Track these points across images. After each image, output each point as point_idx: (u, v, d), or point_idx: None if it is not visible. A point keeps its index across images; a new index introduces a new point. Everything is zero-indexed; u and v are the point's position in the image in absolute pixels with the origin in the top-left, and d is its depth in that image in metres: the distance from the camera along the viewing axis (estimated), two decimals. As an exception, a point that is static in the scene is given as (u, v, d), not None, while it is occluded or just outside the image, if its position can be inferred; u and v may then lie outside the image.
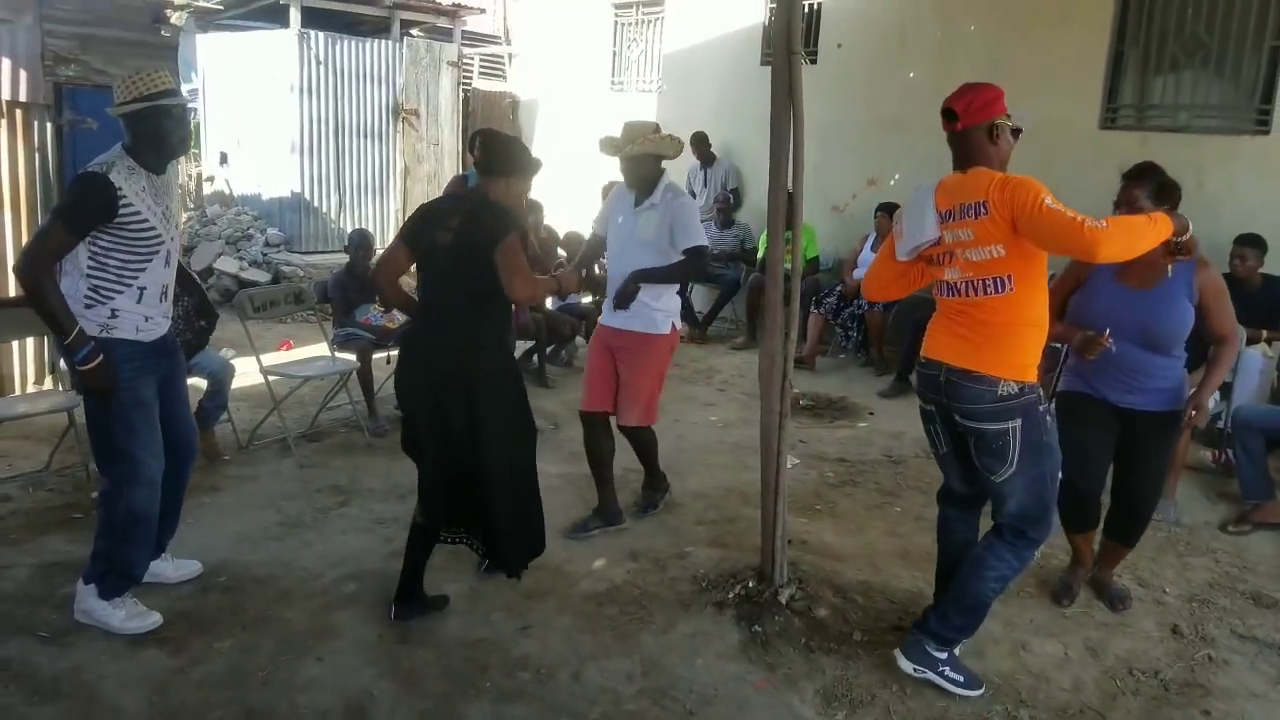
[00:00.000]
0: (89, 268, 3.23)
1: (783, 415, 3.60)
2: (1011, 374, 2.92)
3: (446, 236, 3.30)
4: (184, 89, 11.52)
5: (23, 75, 5.95)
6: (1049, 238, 2.79)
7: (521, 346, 7.03)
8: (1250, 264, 5.95)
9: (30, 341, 5.89)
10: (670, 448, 5.65)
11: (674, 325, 4.37)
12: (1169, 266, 3.42)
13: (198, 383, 5.06)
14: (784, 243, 3.61)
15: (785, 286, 3.60)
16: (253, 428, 5.49)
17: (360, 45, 11.03)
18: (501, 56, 13.08)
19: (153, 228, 3.28)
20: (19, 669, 3.16)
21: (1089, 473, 3.62)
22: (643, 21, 10.93)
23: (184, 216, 10.86)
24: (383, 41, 11.28)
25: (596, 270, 5.53)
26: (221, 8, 11.17)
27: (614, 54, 11.26)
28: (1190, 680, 3.36)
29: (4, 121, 5.82)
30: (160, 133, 3.29)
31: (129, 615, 3.41)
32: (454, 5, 12.41)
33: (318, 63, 10.63)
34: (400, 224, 4.73)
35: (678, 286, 4.52)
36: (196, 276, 4.97)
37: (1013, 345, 2.94)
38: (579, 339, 7.58)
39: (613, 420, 4.42)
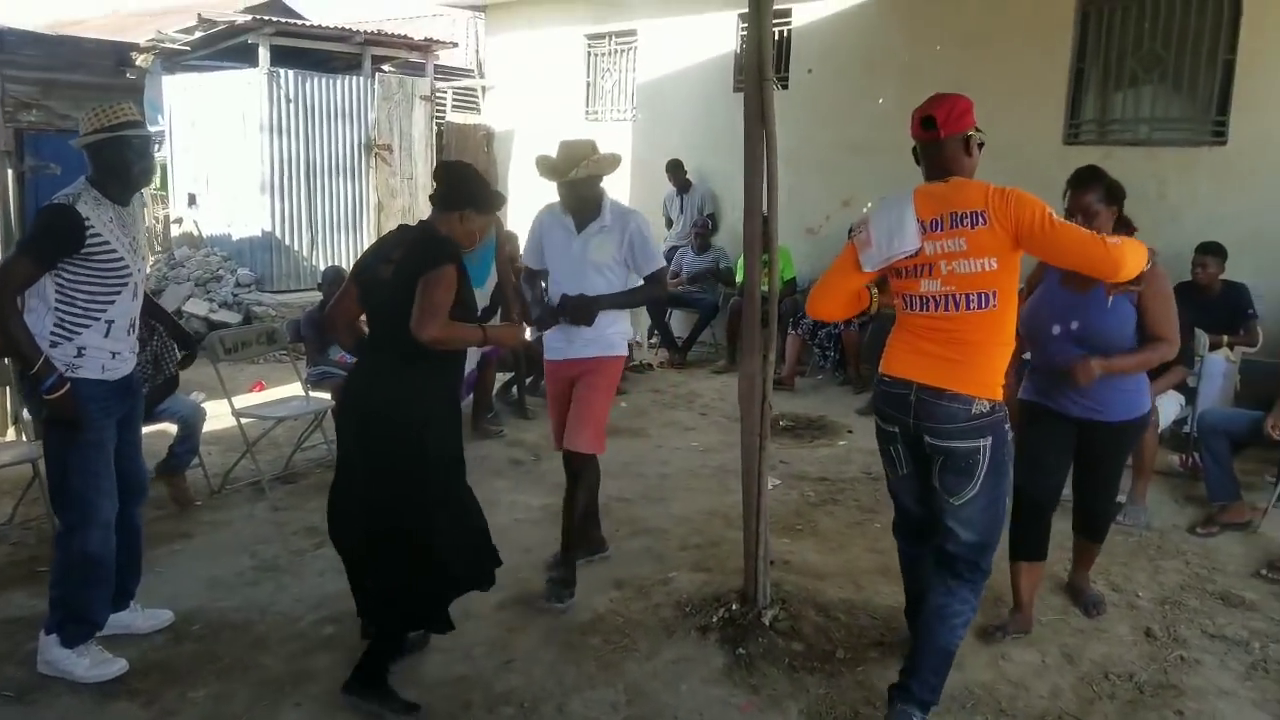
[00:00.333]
0: (57, 301, 3.22)
1: (763, 437, 3.64)
2: (985, 392, 2.88)
3: (387, 270, 3.15)
4: (151, 131, 11.58)
5: (-18, 122, 5.93)
6: (1069, 253, 2.81)
7: (501, 378, 7.07)
8: (1211, 271, 6.07)
9: (-8, 393, 5.79)
10: (653, 473, 5.71)
11: (629, 348, 4.28)
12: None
13: (168, 428, 5.04)
14: (762, 266, 3.64)
15: (763, 309, 3.64)
16: (225, 471, 5.45)
17: (331, 82, 11.05)
18: (475, 89, 13.16)
19: (121, 258, 3.27)
20: (-16, 730, 3.11)
21: (1043, 483, 3.62)
22: (616, 51, 11.03)
23: (151, 259, 10.85)
24: (354, 78, 11.31)
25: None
26: (188, 49, 11.19)
27: (588, 84, 11.35)
28: (1164, 682, 3.42)
29: (-38, 169, 5.79)
30: (123, 163, 3.28)
31: (93, 663, 3.36)
32: (426, 40, 12.48)
33: (287, 101, 10.65)
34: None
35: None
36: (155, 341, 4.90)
37: (987, 363, 2.89)
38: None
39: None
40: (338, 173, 11.23)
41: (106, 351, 3.31)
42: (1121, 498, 5.02)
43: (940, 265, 2.88)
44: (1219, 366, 5.86)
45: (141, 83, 11.72)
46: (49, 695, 3.28)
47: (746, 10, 3.66)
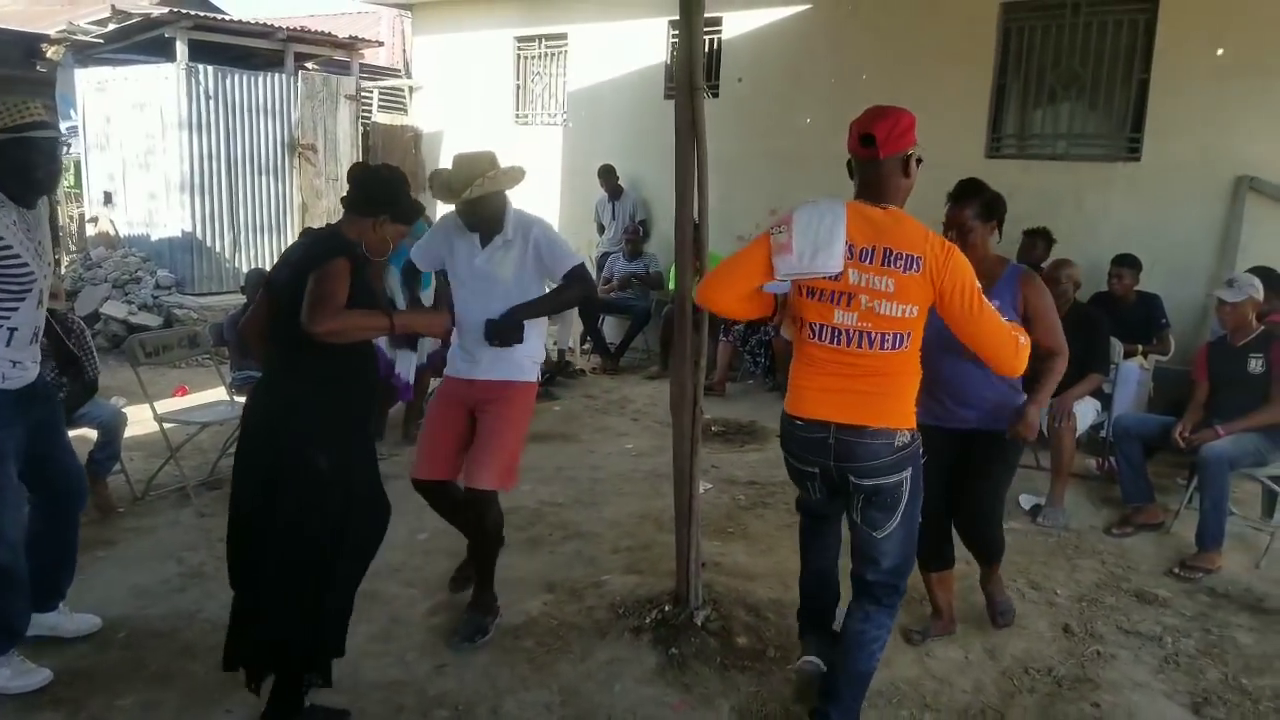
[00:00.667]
0: None
1: (694, 442, 3.67)
2: (904, 422, 2.79)
3: (284, 272, 2.96)
4: (63, 126, 11.23)
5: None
6: (980, 339, 2.73)
7: (435, 383, 7.00)
8: (1127, 282, 6.30)
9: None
10: (586, 478, 5.72)
11: (539, 375, 3.92)
12: (994, 280, 3.41)
13: (87, 433, 4.91)
14: (694, 273, 3.61)
15: (695, 315, 3.57)
16: (148, 478, 5.32)
17: (252, 79, 10.84)
18: (402, 89, 13.03)
19: (25, 263, 3.14)
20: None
21: (932, 494, 3.32)
22: (546, 54, 11.02)
23: (65, 260, 10.52)
24: (276, 75, 11.10)
25: None
26: (101, 41, 10.86)
27: (517, 87, 11.32)
28: (1081, 676, 3.54)
29: None
30: (27, 165, 3.12)
31: (15, 673, 3.28)
32: (350, 38, 12.31)
33: (207, 97, 10.41)
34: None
35: (544, 331, 4.06)
36: (85, 344, 4.76)
37: (903, 394, 2.80)
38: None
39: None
40: (260, 172, 11.02)
41: (7, 360, 3.17)
42: (1039, 500, 5.21)
43: (861, 299, 2.68)
44: (1133, 374, 6.06)
45: (52, 76, 11.36)
46: (-33, 707, 3.19)
47: (678, 17, 3.68)
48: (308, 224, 11.13)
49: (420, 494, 3.80)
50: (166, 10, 10.56)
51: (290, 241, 10.93)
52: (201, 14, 11.31)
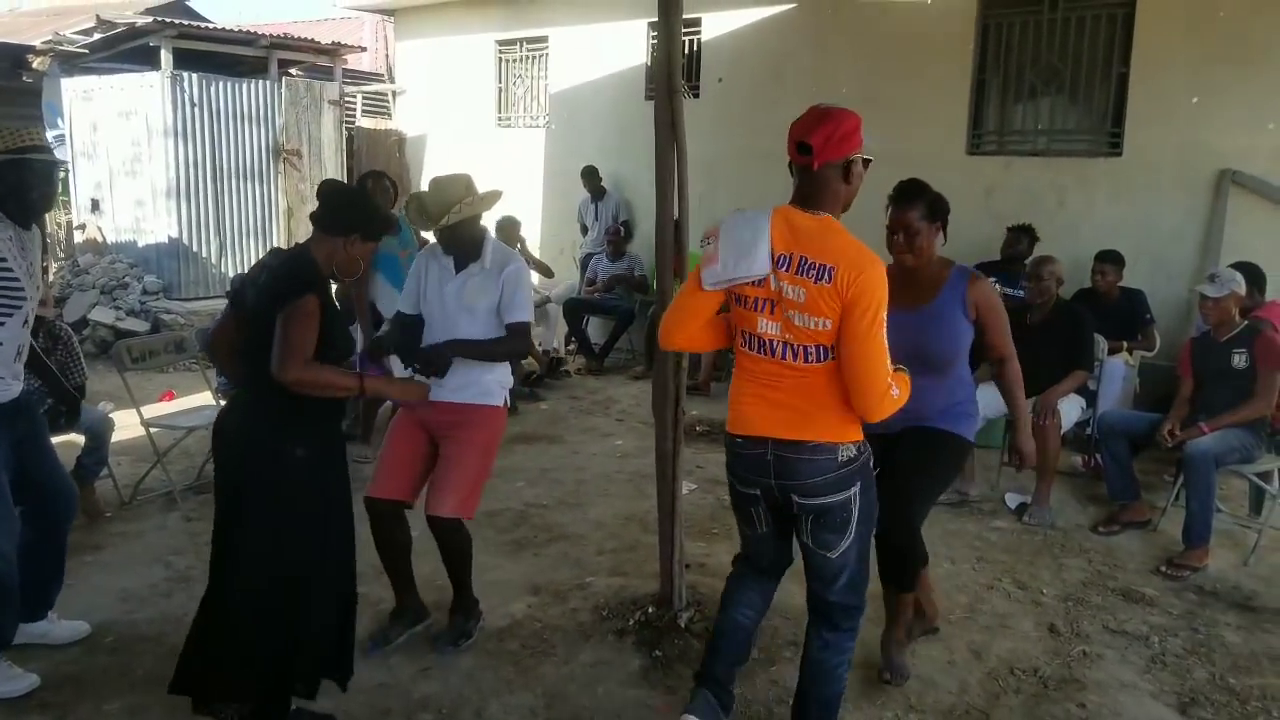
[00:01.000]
0: None
1: (677, 442, 3.67)
2: (849, 435, 2.60)
3: (250, 294, 2.89)
4: (50, 135, 11.20)
5: None
6: (856, 365, 2.49)
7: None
8: (1110, 279, 6.30)
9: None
10: (570, 479, 5.71)
11: (506, 400, 3.80)
12: (940, 284, 3.31)
13: (75, 438, 4.90)
14: (674, 273, 3.62)
15: None
16: (135, 482, 5.31)
17: (236, 86, 10.82)
18: (386, 94, 13.02)
19: (17, 279, 3.20)
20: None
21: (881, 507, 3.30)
22: (527, 57, 11.01)
23: (54, 267, 10.48)
24: (260, 82, 11.09)
25: None
26: (87, 51, 10.84)
27: (499, 90, 11.32)
28: (1067, 676, 3.53)
29: None
30: (22, 186, 3.20)
31: (2, 678, 3.28)
32: (333, 44, 12.31)
33: (192, 105, 10.39)
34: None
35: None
36: (72, 350, 4.75)
37: (842, 406, 2.57)
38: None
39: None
40: (246, 178, 11.00)
41: None
42: (1025, 499, 5.21)
43: (779, 307, 2.56)
44: (1118, 370, 6.08)
45: (39, 85, 11.34)
46: (-46, 714, 3.18)
47: (657, 19, 3.68)
48: (293, 229, 11.13)
49: (369, 513, 3.62)
50: (151, 19, 10.57)
51: (282, 244, 10.99)
52: (186, 23, 11.33)
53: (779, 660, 3.52)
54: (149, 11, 11.82)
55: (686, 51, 9.33)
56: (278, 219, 11.29)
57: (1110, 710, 3.32)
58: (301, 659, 2.97)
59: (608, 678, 3.45)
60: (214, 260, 10.80)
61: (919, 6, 7.94)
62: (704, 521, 5.01)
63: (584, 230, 10.02)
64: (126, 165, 10.73)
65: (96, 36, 10.58)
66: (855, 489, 2.62)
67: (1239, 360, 4.80)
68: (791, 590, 4.04)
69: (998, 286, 6.77)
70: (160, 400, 7.17)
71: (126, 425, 5.51)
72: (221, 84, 10.70)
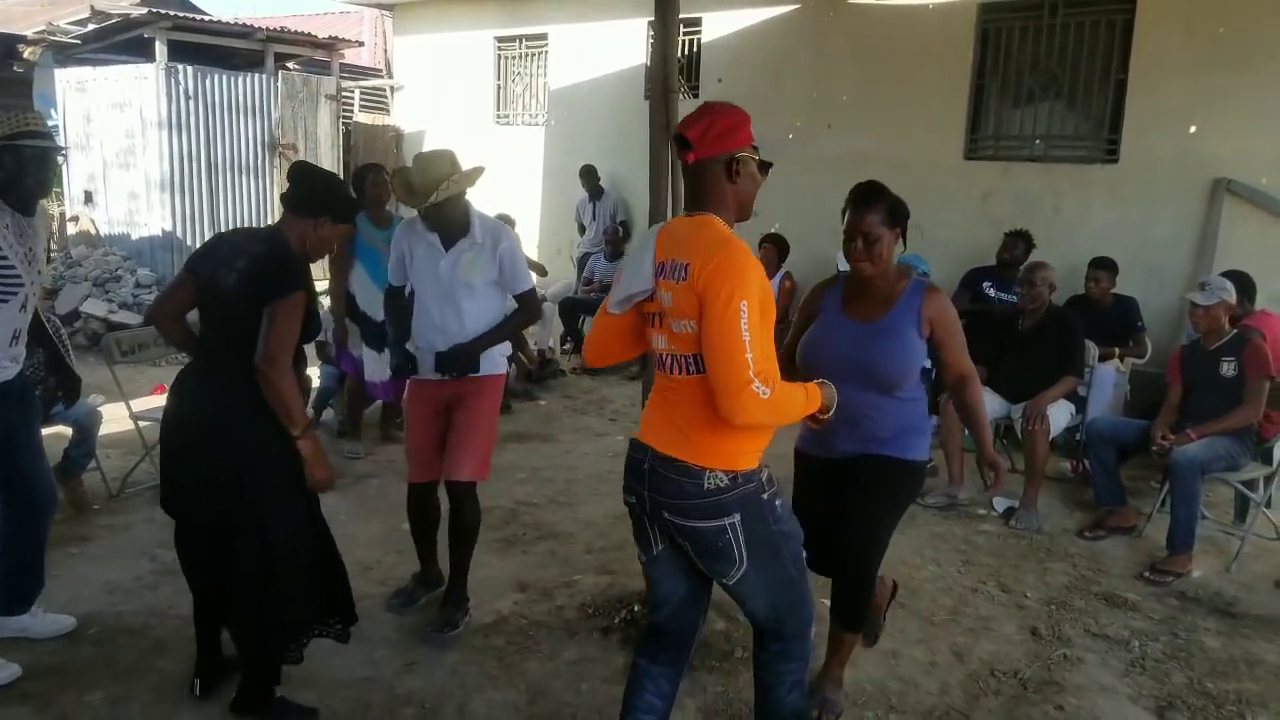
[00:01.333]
0: None
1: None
2: (719, 463, 2.37)
3: (229, 278, 2.90)
4: (54, 144, 11.16)
5: None
6: (711, 353, 2.26)
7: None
8: (1104, 285, 6.32)
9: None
10: (561, 478, 5.72)
11: (508, 366, 4.03)
12: (895, 297, 3.09)
13: (63, 430, 4.90)
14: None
15: None
16: (124, 475, 5.31)
17: (232, 79, 10.80)
18: (384, 89, 13.02)
19: (12, 265, 3.21)
20: None
21: (826, 539, 3.09)
22: (526, 55, 11.02)
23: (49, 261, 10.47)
24: (256, 75, 11.07)
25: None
26: (79, 42, 10.82)
27: (498, 87, 11.32)
28: (1047, 679, 3.55)
29: None
30: (16, 173, 3.22)
31: None
32: (330, 38, 12.29)
33: (187, 97, 10.38)
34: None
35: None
36: (61, 341, 4.76)
37: (723, 429, 2.34)
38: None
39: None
40: (241, 171, 10.99)
41: None
42: (1013, 503, 5.23)
43: (661, 319, 2.43)
44: (1109, 377, 6.10)
45: (29, 75, 11.31)
46: (-66, 704, 3.18)
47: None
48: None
49: (412, 495, 3.91)
50: (146, 10, 10.53)
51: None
52: (181, 14, 11.30)
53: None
54: (144, 3, 11.78)
55: (687, 52, 9.35)
56: (272, 213, 11.25)
57: (1088, 713, 3.34)
58: (295, 623, 3.09)
59: (591, 675, 3.46)
60: (208, 254, 10.76)
61: (918, 10, 7.97)
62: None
63: (581, 230, 10.01)
64: (120, 157, 10.70)
65: (90, 27, 10.54)
66: (732, 520, 2.38)
67: (1228, 369, 4.82)
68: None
69: (991, 291, 6.88)
70: (152, 393, 7.15)
71: (116, 418, 5.50)
72: (217, 77, 10.68)
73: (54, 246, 11.40)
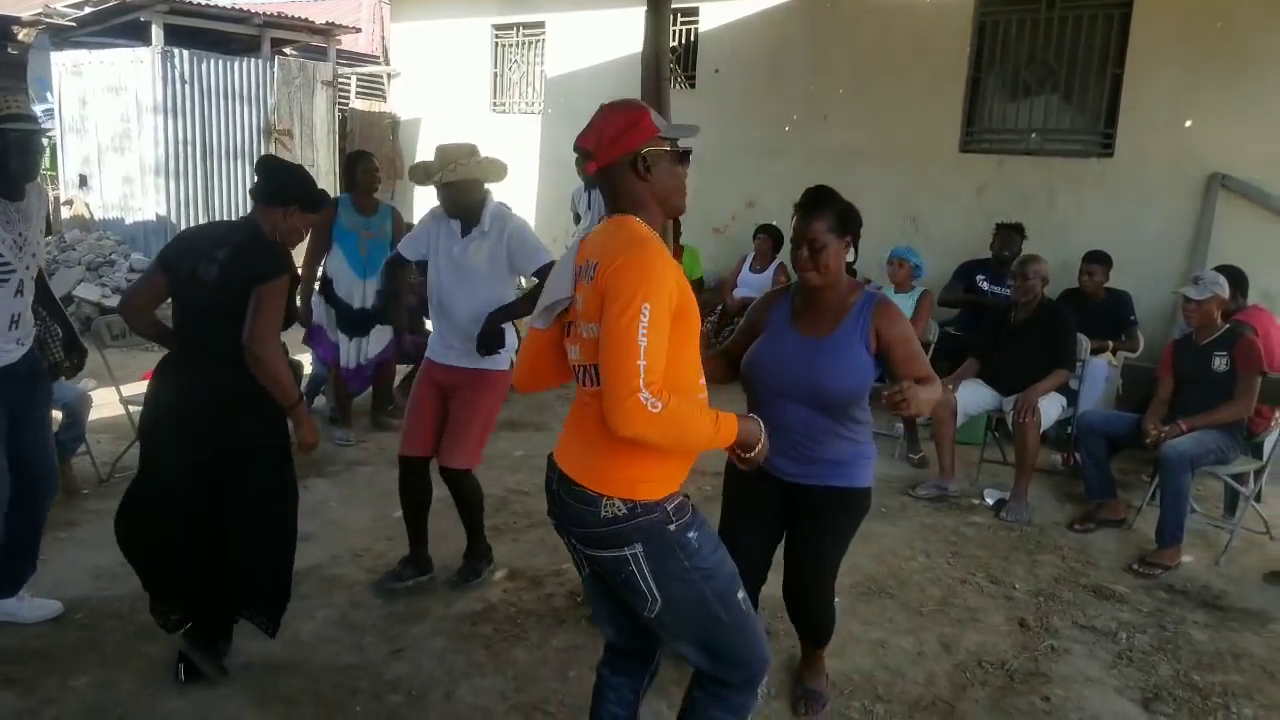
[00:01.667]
0: None
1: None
2: (618, 490, 2.15)
3: (210, 270, 2.98)
4: (39, 109, 11.12)
5: None
6: (605, 357, 2.04)
7: (403, 371, 6.99)
8: (1097, 279, 6.32)
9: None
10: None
11: (511, 363, 3.94)
12: (846, 310, 2.92)
13: (53, 415, 4.89)
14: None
15: None
16: (113, 460, 5.30)
17: (228, 64, 10.77)
18: (380, 76, 12.97)
19: (1, 254, 3.20)
20: None
21: (743, 561, 2.73)
22: (524, 43, 10.98)
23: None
24: (253, 60, 11.03)
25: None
26: (76, 25, 10.77)
27: (495, 75, 11.28)
28: (1034, 670, 3.56)
29: None
30: (2, 158, 3.20)
31: None
32: (327, 24, 12.25)
33: (182, 82, 10.34)
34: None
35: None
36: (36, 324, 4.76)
37: (624, 453, 2.14)
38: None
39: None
40: (236, 157, 10.96)
41: None
42: (1004, 495, 5.24)
43: (574, 327, 2.26)
44: (1101, 370, 6.10)
45: (24, 58, 11.25)
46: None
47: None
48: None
49: (401, 468, 4.02)
50: (143, -7, 10.49)
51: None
52: (177, -2, 11.25)
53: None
54: (142, -14, 11.75)
55: (684, 42, 9.32)
56: (267, 200, 11.23)
57: (1074, 704, 3.35)
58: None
59: (579, 662, 3.45)
60: (202, 239, 10.73)
61: (916, 3, 7.96)
62: (683, 510, 5.02)
63: (576, 219, 9.96)
64: (115, 141, 10.67)
65: (87, 10, 10.50)
66: (634, 551, 2.16)
67: (1219, 363, 4.82)
68: (770, 580, 4.07)
69: (985, 284, 6.88)
70: (143, 378, 7.12)
71: (106, 403, 5.49)
72: (213, 61, 10.65)
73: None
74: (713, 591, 2.24)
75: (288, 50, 12.08)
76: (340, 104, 12.04)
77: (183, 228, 10.46)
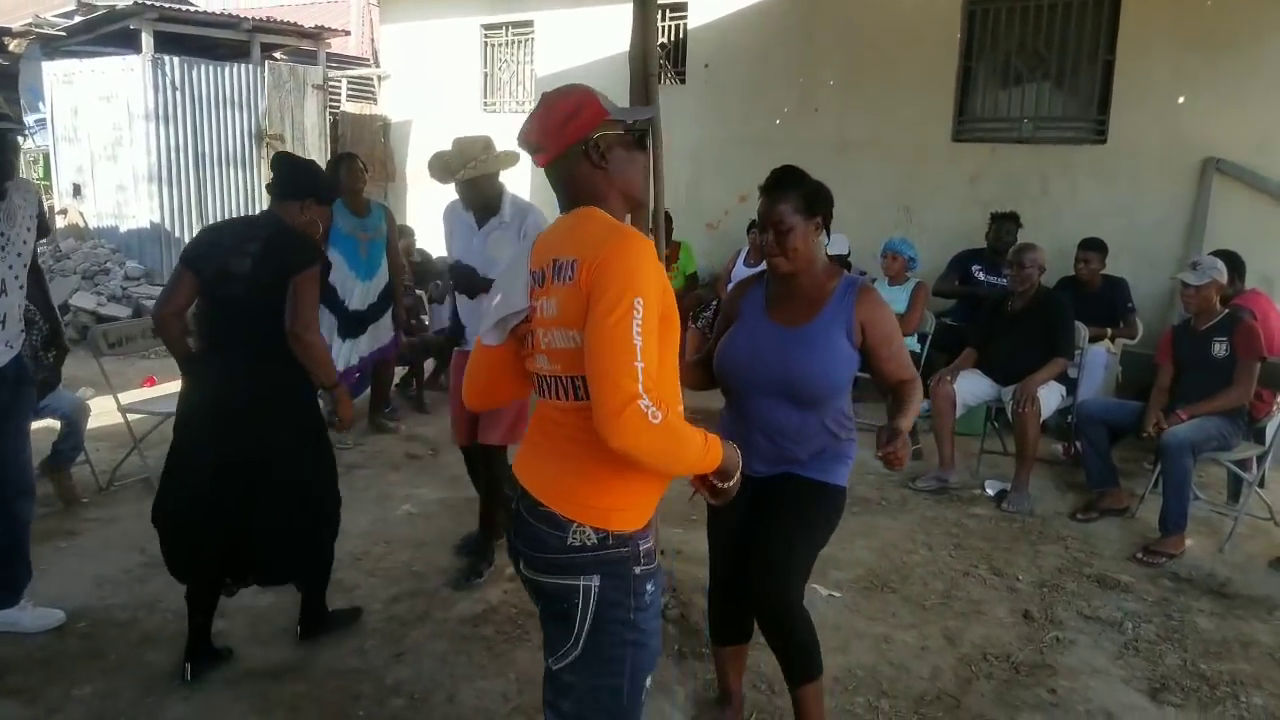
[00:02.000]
0: None
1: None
2: (591, 518, 1.92)
3: (243, 263, 3.06)
4: (31, 119, 11.07)
5: None
6: (588, 360, 1.81)
7: (399, 372, 6.98)
8: (1093, 266, 6.30)
9: None
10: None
11: None
12: (825, 298, 2.73)
13: (51, 424, 4.88)
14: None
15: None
16: (112, 468, 5.27)
17: (219, 70, 10.74)
18: (371, 79, 12.93)
19: None
20: None
21: (726, 559, 2.87)
22: (513, 42, 10.95)
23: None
24: (243, 66, 11.01)
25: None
26: (65, 34, 10.75)
27: (485, 75, 11.25)
28: (1039, 662, 3.54)
29: None
30: None
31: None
32: (317, 28, 12.21)
33: (173, 88, 10.32)
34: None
35: None
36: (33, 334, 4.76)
37: (604, 478, 1.92)
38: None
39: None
40: (228, 163, 10.95)
41: None
42: (1005, 485, 5.23)
43: (540, 335, 2.00)
44: (1100, 358, 6.08)
45: (15, 68, 11.23)
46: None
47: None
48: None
49: (465, 458, 4.40)
50: (132, 2, 10.47)
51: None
52: (167, 5, 11.22)
53: (754, 647, 3.46)
54: (130, -6, 11.74)
55: (673, 38, 9.29)
56: (260, 204, 11.21)
57: (1080, 696, 3.33)
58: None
59: (581, 664, 3.44)
60: (196, 246, 10.73)
61: (905, -8, 7.93)
62: (683, 508, 4.98)
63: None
64: (107, 149, 10.66)
65: (77, 19, 10.50)
66: (589, 582, 1.92)
67: (1219, 349, 4.80)
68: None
69: (980, 274, 6.87)
70: (142, 386, 7.12)
71: (105, 411, 5.47)
72: (203, 68, 10.63)
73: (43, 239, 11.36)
74: (632, 663, 1.98)
75: (277, 55, 12.04)
76: (331, 107, 12.00)
77: (176, 235, 10.48)
